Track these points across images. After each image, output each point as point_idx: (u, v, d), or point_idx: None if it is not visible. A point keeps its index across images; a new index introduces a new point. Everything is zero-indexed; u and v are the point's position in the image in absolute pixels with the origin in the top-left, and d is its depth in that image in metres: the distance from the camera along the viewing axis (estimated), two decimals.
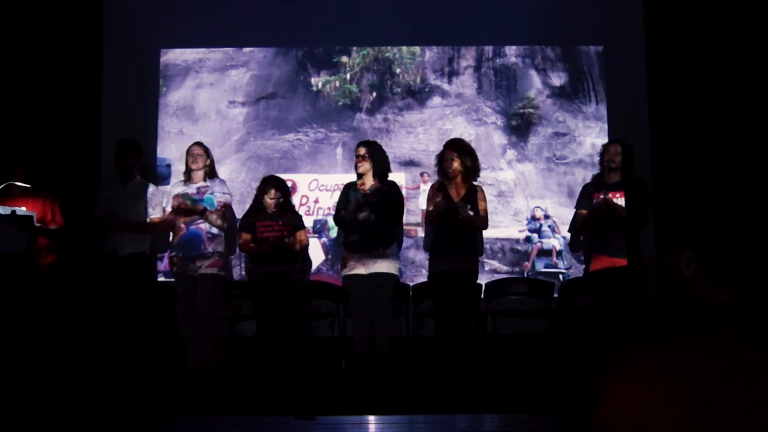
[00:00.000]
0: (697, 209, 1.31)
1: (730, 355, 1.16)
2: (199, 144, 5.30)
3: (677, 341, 1.20)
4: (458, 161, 5.00)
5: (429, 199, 5.10)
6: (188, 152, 5.24)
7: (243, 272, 6.37)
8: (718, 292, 1.27)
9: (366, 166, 5.06)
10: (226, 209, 5.19)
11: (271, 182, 5.24)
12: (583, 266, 5.86)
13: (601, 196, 4.94)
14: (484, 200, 5.04)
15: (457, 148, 5.06)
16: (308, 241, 5.46)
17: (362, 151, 5.09)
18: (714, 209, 1.30)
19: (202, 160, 5.19)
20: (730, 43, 6.13)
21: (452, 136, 6.01)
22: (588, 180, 5.48)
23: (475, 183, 5.08)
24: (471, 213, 4.91)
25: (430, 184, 5.47)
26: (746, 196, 1.29)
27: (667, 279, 1.34)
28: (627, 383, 1.17)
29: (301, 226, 5.25)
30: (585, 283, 5.29)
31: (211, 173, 5.23)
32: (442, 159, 5.07)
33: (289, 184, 5.63)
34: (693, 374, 1.15)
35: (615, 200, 4.88)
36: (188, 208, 5.03)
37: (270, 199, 5.15)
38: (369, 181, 5.07)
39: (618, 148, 5.05)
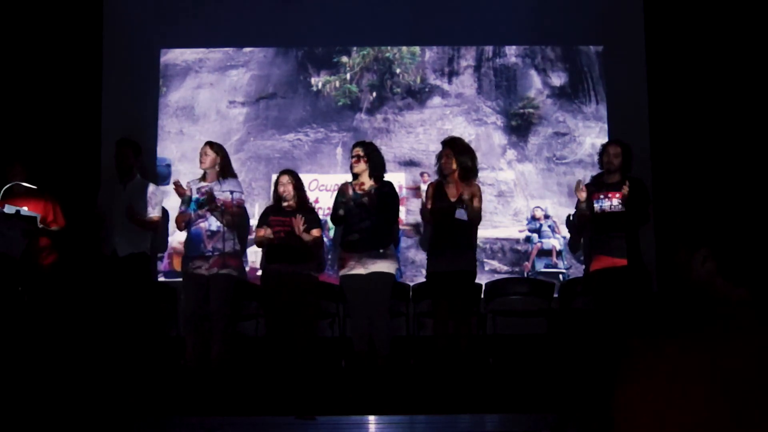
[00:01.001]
0: (712, 207, 1.30)
1: (748, 355, 1.15)
2: (208, 143, 5.32)
3: (696, 341, 1.19)
4: (454, 159, 5.00)
5: (426, 197, 5.12)
6: (199, 152, 5.29)
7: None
8: (734, 291, 1.27)
9: (362, 167, 5.07)
10: (227, 207, 5.17)
11: (284, 172, 5.33)
12: (582, 266, 5.86)
13: (601, 196, 4.95)
14: (480, 198, 5.04)
15: (454, 146, 5.07)
16: (323, 240, 5.45)
17: (359, 151, 5.10)
18: (730, 207, 1.29)
19: (210, 160, 5.21)
20: (731, 42, 6.13)
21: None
22: (587, 180, 5.47)
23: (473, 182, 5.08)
24: (465, 211, 4.91)
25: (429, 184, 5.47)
26: (759, 194, 1.29)
27: (680, 277, 1.33)
28: (645, 383, 1.17)
29: (316, 224, 5.25)
30: (585, 283, 5.29)
31: (223, 173, 5.23)
32: (440, 157, 5.09)
33: None
34: (712, 374, 1.14)
35: (614, 200, 4.89)
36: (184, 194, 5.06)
37: (282, 185, 5.17)
38: (366, 182, 5.08)
39: (617, 149, 5.05)
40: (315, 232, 5.16)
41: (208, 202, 5.02)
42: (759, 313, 1.21)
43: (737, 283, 1.26)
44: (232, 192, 5.16)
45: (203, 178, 5.26)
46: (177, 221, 5.28)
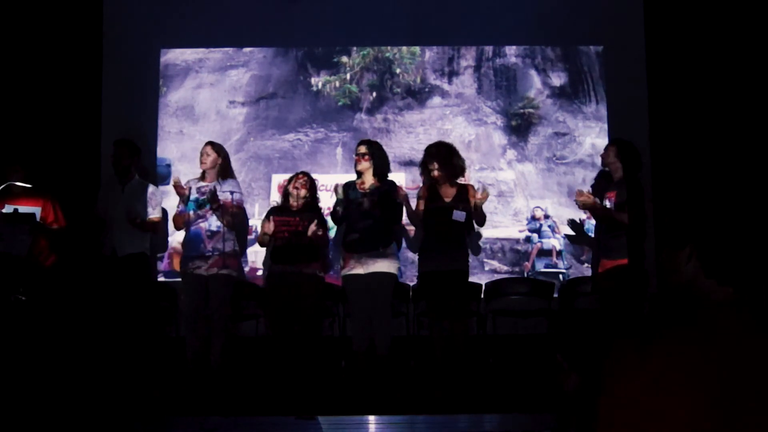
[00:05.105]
0: (698, 207, 1.30)
1: (733, 354, 1.15)
2: (210, 143, 5.32)
3: (680, 341, 1.19)
4: (440, 168, 5.00)
5: (419, 198, 5.12)
6: (200, 152, 5.27)
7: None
8: (719, 290, 1.27)
9: (366, 165, 5.06)
10: (227, 208, 5.17)
11: (299, 174, 5.29)
12: (582, 266, 5.86)
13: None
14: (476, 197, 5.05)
15: (437, 156, 5.05)
16: (328, 239, 5.43)
17: (363, 149, 5.10)
18: (715, 206, 1.29)
19: (212, 160, 5.21)
20: (731, 42, 6.13)
21: (452, 136, 6.02)
22: (588, 179, 5.45)
23: (463, 182, 5.07)
24: (464, 213, 4.92)
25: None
26: (746, 193, 1.29)
27: (666, 276, 1.33)
28: (630, 383, 1.17)
29: (322, 224, 5.22)
30: (593, 284, 5.23)
31: (223, 173, 5.23)
32: (426, 169, 5.08)
33: None
34: (696, 373, 1.14)
35: (607, 201, 4.88)
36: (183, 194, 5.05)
37: (294, 188, 5.14)
38: (369, 181, 5.08)
39: (614, 149, 5.01)
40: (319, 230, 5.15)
41: (210, 202, 5.02)
42: (743, 313, 1.21)
43: (721, 281, 1.26)
44: (232, 192, 5.16)
45: (202, 177, 5.26)
46: (175, 221, 5.29)
